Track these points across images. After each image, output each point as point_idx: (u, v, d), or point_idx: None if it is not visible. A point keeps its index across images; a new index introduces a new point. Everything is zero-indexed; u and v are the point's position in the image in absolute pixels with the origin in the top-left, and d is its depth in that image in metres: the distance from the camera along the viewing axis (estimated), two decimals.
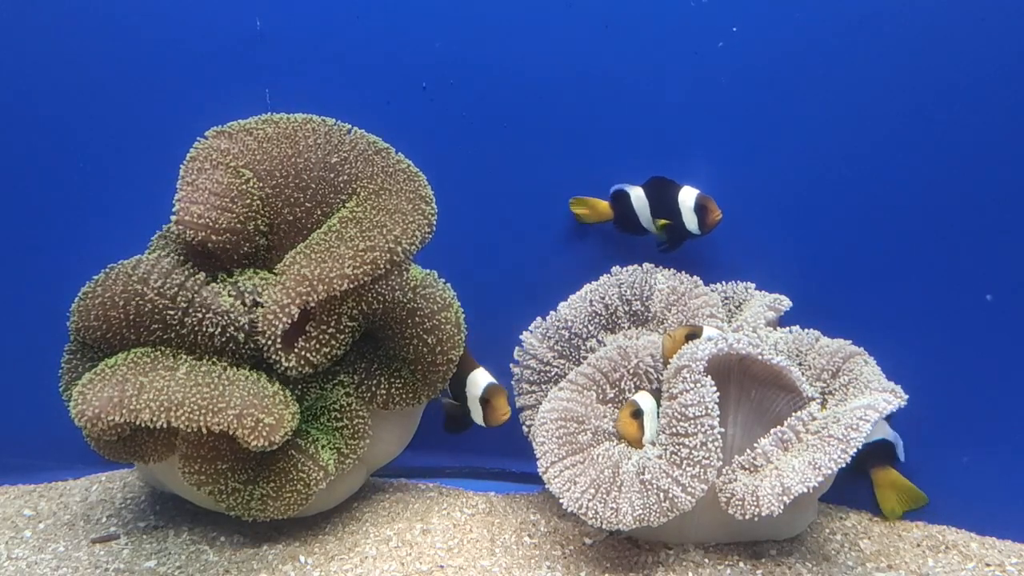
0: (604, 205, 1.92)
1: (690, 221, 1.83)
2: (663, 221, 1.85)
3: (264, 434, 1.48)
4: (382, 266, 1.57)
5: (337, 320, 1.59)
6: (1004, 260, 1.77)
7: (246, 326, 1.57)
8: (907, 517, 1.83)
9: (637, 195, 1.88)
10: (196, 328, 1.56)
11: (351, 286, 1.55)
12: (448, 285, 1.73)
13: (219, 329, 1.56)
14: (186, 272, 1.58)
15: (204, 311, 1.55)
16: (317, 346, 1.59)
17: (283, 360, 1.57)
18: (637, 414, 1.59)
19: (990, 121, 1.76)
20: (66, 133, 1.94)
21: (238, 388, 1.50)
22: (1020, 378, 1.78)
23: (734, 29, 1.86)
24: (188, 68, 1.94)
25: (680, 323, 1.77)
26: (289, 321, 1.54)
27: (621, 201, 1.90)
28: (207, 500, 1.63)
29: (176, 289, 1.55)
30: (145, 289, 1.54)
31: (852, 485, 1.82)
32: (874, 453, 1.77)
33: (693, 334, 1.65)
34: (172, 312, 1.55)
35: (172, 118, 1.92)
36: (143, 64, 1.93)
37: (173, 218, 1.60)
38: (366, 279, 1.56)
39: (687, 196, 1.83)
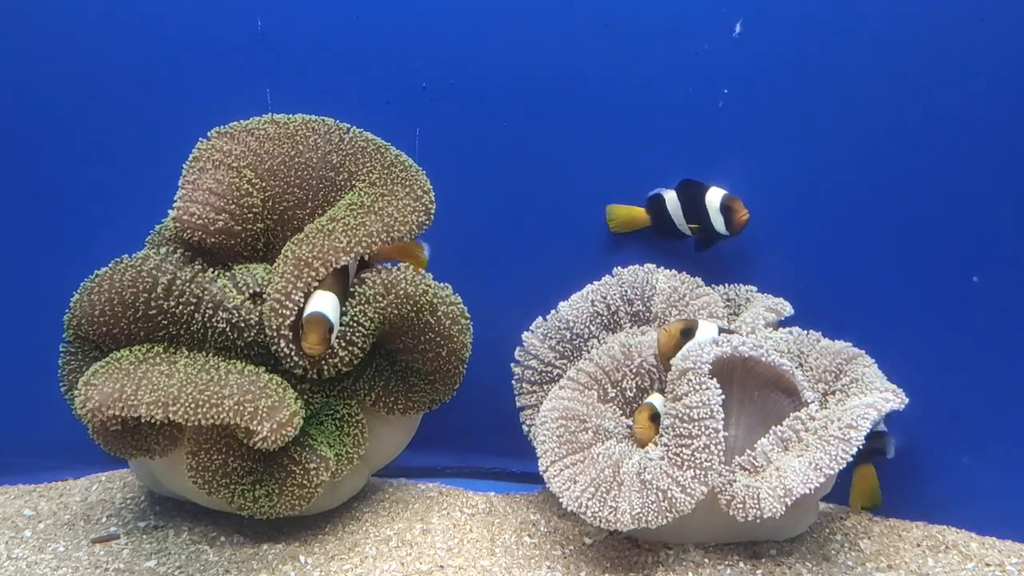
0: (639, 212, 1.93)
1: (718, 222, 1.83)
2: (694, 226, 1.86)
3: (264, 416, 1.46)
4: (376, 239, 1.58)
5: (354, 328, 1.58)
6: (1005, 262, 1.77)
7: (255, 323, 1.56)
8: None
9: (671, 198, 1.88)
10: (206, 324, 1.55)
11: (348, 258, 1.56)
12: (457, 296, 1.71)
13: (228, 325, 1.55)
14: (195, 268, 1.58)
15: (214, 308, 1.55)
16: (336, 352, 1.57)
17: (292, 354, 1.54)
18: (655, 417, 1.59)
19: (990, 122, 1.76)
20: (66, 133, 1.94)
21: (233, 378, 1.49)
22: (1020, 378, 1.78)
23: (725, 91, 1.87)
24: (189, 68, 1.94)
25: None
26: (295, 308, 1.52)
27: (657, 206, 1.90)
28: (208, 498, 1.62)
29: (185, 285, 1.55)
30: (154, 284, 1.54)
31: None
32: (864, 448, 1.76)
33: (688, 329, 1.64)
34: (181, 308, 1.54)
35: (172, 118, 1.92)
36: (144, 63, 1.93)
37: (172, 214, 1.60)
38: (362, 251, 1.57)
39: (714, 197, 1.83)
